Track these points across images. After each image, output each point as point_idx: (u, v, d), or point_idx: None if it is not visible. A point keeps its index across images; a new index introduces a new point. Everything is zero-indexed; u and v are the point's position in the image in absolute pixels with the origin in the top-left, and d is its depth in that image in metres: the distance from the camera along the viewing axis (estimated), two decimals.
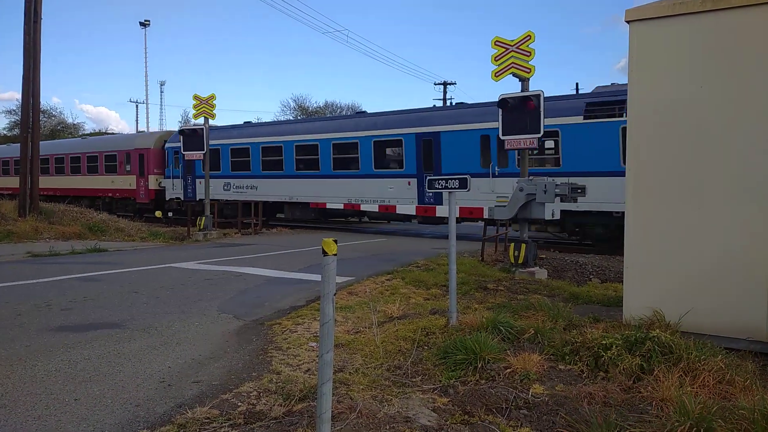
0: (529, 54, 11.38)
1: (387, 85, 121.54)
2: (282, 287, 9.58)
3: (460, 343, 5.34)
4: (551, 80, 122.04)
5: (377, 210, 20.06)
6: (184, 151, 19.98)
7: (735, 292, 5.68)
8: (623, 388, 4.56)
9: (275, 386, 4.83)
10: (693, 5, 5.85)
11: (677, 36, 6.02)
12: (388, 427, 3.96)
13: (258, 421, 4.15)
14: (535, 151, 15.36)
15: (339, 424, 3.95)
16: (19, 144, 41.52)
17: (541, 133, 11.48)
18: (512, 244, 11.66)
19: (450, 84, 50.54)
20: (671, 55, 6.06)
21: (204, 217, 19.35)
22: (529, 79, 11.62)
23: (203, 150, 19.24)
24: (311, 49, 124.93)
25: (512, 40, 11.51)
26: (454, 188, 6.61)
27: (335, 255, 3.33)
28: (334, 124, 22.23)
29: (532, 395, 4.50)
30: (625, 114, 12.82)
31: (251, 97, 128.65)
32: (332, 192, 21.07)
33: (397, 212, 19.14)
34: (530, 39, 11.36)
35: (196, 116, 19.52)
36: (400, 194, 19.20)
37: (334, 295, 3.36)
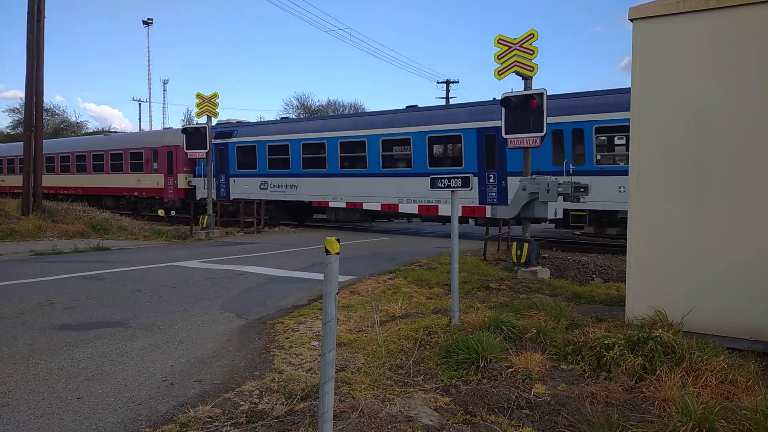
0: (532, 52, 11.36)
1: (390, 83, 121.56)
2: (284, 286, 9.58)
3: (462, 342, 5.34)
4: (555, 79, 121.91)
5: (431, 212, 18.64)
6: (186, 150, 19.95)
7: (738, 293, 5.67)
8: (625, 387, 4.56)
9: (277, 385, 4.83)
10: (697, 3, 5.83)
11: (681, 34, 6.00)
12: (390, 427, 3.96)
13: (260, 420, 4.15)
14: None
15: (341, 423, 3.95)
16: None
17: (545, 131, 11.46)
18: (515, 244, 11.65)
19: (453, 82, 50.48)
20: (675, 53, 6.04)
21: (206, 216, 19.37)
22: (532, 77, 11.60)
23: (206, 149, 19.26)
24: (314, 47, 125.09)
25: (515, 39, 11.49)
26: (457, 187, 6.61)
27: (338, 254, 3.32)
28: (383, 119, 20.63)
29: (534, 395, 4.49)
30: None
31: (254, 96, 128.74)
32: (379, 191, 19.86)
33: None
34: (533, 37, 11.33)
35: (199, 115, 19.55)
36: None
37: (337, 294, 3.35)
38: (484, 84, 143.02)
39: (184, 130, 20.17)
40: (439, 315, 6.98)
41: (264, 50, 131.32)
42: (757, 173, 5.59)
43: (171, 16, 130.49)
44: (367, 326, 6.64)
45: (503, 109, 11.90)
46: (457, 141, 18.41)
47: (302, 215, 24.69)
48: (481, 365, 5.02)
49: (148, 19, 63.53)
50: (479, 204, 17.69)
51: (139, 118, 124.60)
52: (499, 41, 11.63)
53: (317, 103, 57.36)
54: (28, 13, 19.04)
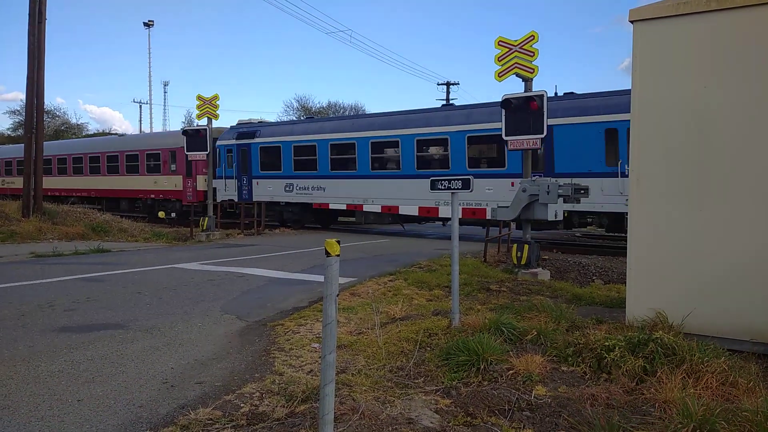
0: (532, 54, 11.38)
1: (390, 85, 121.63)
2: (285, 288, 9.58)
3: (462, 344, 5.33)
4: (556, 80, 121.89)
5: (477, 216, 17.37)
6: (187, 152, 19.92)
7: (738, 294, 5.66)
8: (626, 389, 4.55)
9: (278, 387, 4.83)
10: (697, 5, 5.84)
11: (681, 36, 6.00)
12: (390, 429, 3.96)
13: (260, 422, 4.15)
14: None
15: (341, 425, 3.94)
16: (49, 142, 40.88)
17: (545, 133, 11.47)
18: (515, 245, 11.65)
19: (453, 84, 50.51)
20: (676, 54, 6.04)
21: (207, 218, 19.37)
22: (532, 79, 11.61)
23: (206, 151, 19.25)
24: (314, 49, 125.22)
25: (516, 41, 11.51)
26: (458, 189, 6.61)
27: (338, 256, 3.32)
28: (420, 118, 19.55)
29: (534, 397, 4.49)
30: None
31: (254, 98, 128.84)
32: (415, 194, 18.59)
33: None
34: (534, 39, 11.35)
35: (199, 117, 19.56)
36: (500, 196, 16.13)
37: (337, 296, 3.35)
38: (484, 86, 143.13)
39: (184, 132, 20.19)
40: (439, 317, 6.98)
41: (264, 52, 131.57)
42: (757, 175, 5.59)
43: (172, 18, 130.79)
44: (368, 328, 6.64)
45: (503, 110, 11.91)
46: (498, 141, 16.31)
47: (327, 218, 23.98)
48: (482, 367, 5.02)
49: (149, 20, 63.71)
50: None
51: (140, 120, 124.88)
52: (500, 43, 11.65)
53: (317, 105, 57.42)
54: (29, 14, 19.06)
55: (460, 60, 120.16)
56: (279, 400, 4.53)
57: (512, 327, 6.00)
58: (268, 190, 23.16)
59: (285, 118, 25.00)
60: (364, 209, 20.44)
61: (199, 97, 19.26)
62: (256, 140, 23.58)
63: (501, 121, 13.50)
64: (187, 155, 20.45)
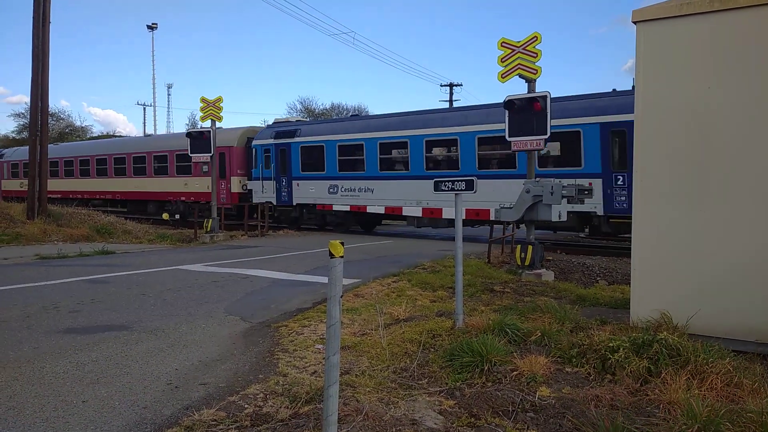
0: (535, 55, 11.37)
1: (393, 86, 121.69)
2: (288, 289, 9.59)
3: (466, 345, 5.33)
4: (559, 81, 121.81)
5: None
6: (190, 153, 19.91)
7: (743, 295, 5.65)
8: (630, 390, 4.54)
9: (282, 388, 4.84)
10: (701, 5, 5.83)
11: (685, 36, 5.99)
12: (394, 430, 3.96)
13: (264, 423, 4.15)
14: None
15: (345, 426, 3.95)
16: (59, 144, 40.42)
17: (548, 134, 11.46)
18: (519, 246, 11.64)
19: (456, 85, 50.50)
20: (679, 55, 6.03)
21: (211, 219, 19.40)
22: (535, 80, 11.60)
23: (210, 153, 19.28)
24: (317, 50, 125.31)
25: (518, 42, 11.50)
26: (461, 190, 6.61)
27: (342, 257, 3.33)
28: (480, 114, 17.93)
29: (538, 398, 4.48)
30: None
31: (257, 99, 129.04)
32: (476, 196, 17.00)
33: (499, 218, 13.06)
34: (537, 40, 11.34)
35: (203, 119, 19.59)
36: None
37: (341, 297, 3.36)
38: (487, 87, 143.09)
39: (188, 134, 20.21)
40: (443, 318, 6.98)
41: (267, 54, 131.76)
42: (766, 175, 5.58)
43: (175, 21, 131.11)
44: (372, 329, 6.64)
45: (506, 111, 11.91)
46: (574, 138, 15.77)
47: (371, 221, 22.87)
48: (486, 368, 5.02)
49: (153, 23, 63.84)
50: (606, 210, 15.15)
51: (144, 123, 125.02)
52: (503, 44, 11.64)
53: (321, 107, 57.54)
54: (33, 17, 19.13)
55: (462, 61, 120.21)
56: (283, 401, 4.53)
57: (516, 328, 5.99)
58: (309, 191, 22.00)
59: (354, 113, 22.17)
60: (412, 212, 19.06)
61: (203, 100, 19.30)
62: (297, 139, 22.48)
63: (579, 117, 12.67)
64: (279, 151, 20.18)
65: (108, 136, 61.73)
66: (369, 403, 4.37)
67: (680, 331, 5.58)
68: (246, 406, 4.49)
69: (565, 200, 11.07)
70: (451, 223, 18.38)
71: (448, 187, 6.75)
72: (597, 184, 14.78)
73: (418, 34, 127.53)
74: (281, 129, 23.39)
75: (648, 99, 6.19)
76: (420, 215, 19.07)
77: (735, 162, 5.71)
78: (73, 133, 63.77)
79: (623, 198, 14.81)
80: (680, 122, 5.99)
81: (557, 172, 15.76)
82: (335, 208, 21.19)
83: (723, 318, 5.71)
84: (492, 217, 16.50)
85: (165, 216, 25.79)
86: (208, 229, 19.26)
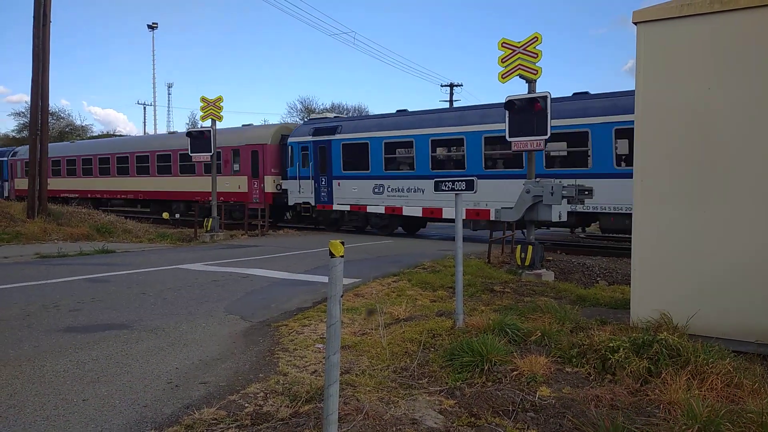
0: (536, 56, 11.37)
1: (393, 86, 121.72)
2: (288, 289, 9.59)
3: (466, 345, 5.33)
4: (559, 81, 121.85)
5: (614, 222, 15.17)
6: (191, 153, 19.88)
7: (743, 295, 5.65)
8: (630, 390, 4.55)
9: (282, 387, 4.84)
10: (701, 6, 5.83)
11: (685, 37, 6.00)
12: (394, 429, 3.96)
13: (265, 422, 4.16)
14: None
15: (345, 425, 3.95)
16: (75, 141, 39.73)
17: (548, 134, 11.46)
18: (519, 246, 11.63)
19: (457, 86, 50.52)
20: (679, 56, 6.04)
21: (211, 219, 19.40)
22: (536, 80, 11.60)
23: (210, 152, 19.27)
24: (318, 50, 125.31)
25: (519, 42, 11.50)
26: (461, 190, 6.62)
27: (342, 257, 3.33)
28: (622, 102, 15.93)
29: (538, 398, 4.49)
30: None
31: (258, 99, 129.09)
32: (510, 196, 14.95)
33: (499, 218, 12.72)
34: (537, 41, 11.34)
35: (203, 118, 19.59)
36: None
37: (341, 296, 3.36)
38: (487, 87, 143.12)
39: (188, 134, 20.20)
40: (443, 318, 6.98)
41: (268, 54, 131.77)
42: (766, 176, 5.58)
43: (175, 20, 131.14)
44: (372, 329, 6.65)
45: (507, 112, 11.91)
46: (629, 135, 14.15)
47: (415, 224, 21.55)
48: (486, 368, 5.02)
49: (153, 23, 63.86)
50: None
51: (144, 122, 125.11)
52: (503, 44, 11.64)
53: (321, 107, 57.58)
54: (34, 17, 19.14)
55: (463, 61, 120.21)
56: (283, 400, 4.54)
57: (516, 328, 6.00)
58: (352, 191, 20.72)
59: (400, 109, 21.34)
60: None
61: (203, 99, 19.29)
62: (338, 136, 21.29)
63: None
64: (319, 149, 19.77)
65: (107, 135, 61.71)
66: (369, 403, 4.38)
67: (680, 331, 5.59)
68: (246, 405, 4.49)
69: (565, 200, 11.08)
70: (509, 226, 16.10)
71: (449, 186, 6.75)
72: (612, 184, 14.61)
73: (418, 35, 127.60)
74: (320, 125, 22.30)
75: (648, 99, 6.19)
76: (478, 217, 17.77)
77: (735, 162, 5.72)
78: (74, 132, 63.79)
79: None
80: (680, 123, 5.99)
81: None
82: (380, 208, 19.96)
83: (723, 318, 5.72)
84: (492, 217, 16.34)
85: (165, 215, 25.70)
86: (208, 229, 19.27)
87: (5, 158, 37.78)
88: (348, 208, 20.87)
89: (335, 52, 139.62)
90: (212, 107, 19.13)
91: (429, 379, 5.02)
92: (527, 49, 11.41)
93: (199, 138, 19.42)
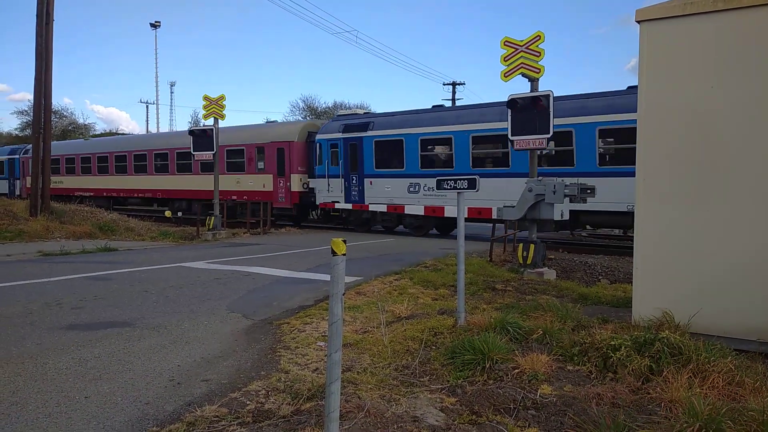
0: (538, 54, 11.36)
1: (396, 85, 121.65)
2: (290, 287, 9.60)
3: (468, 343, 5.34)
4: (562, 80, 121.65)
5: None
6: (193, 152, 19.88)
7: (745, 294, 5.65)
8: (632, 389, 4.55)
9: (284, 385, 4.85)
10: (704, 5, 5.82)
11: (688, 36, 5.99)
12: (395, 427, 3.97)
13: (266, 419, 4.16)
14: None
15: (347, 423, 3.96)
16: (90, 139, 39.03)
17: (551, 133, 11.45)
18: (521, 245, 11.63)
19: (459, 84, 50.46)
20: (682, 54, 6.03)
21: (213, 217, 19.43)
22: (538, 79, 11.60)
23: (213, 150, 19.29)
24: (320, 49, 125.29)
25: (522, 41, 11.49)
26: (463, 189, 6.62)
27: (344, 255, 3.33)
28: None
29: (540, 396, 4.49)
30: None
31: (260, 98, 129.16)
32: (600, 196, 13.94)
33: (501, 217, 12.35)
34: (540, 39, 11.33)
35: (206, 117, 19.61)
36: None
37: (343, 295, 3.37)
38: (490, 86, 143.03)
39: (191, 132, 20.22)
40: (444, 316, 6.99)
41: (270, 52, 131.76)
42: (758, 175, 5.57)
43: (178, 19, 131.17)
44: (373, 327, 6.66)
45: (509, 110, 11.90)
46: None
47: (453, 224, 19.76)
48: (487, 366, 5.02)
49: (156, 21, 63.83)
50: None
51: (146, 120, 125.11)
52: (506, 43, 11.64)
53: (323, 105, 57.55)
54: (36, 15, 19.18)
55: (465, 60, 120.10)
56: (285, 398, 4.55)
57: (518, 326, 6.00)
58: (385, 190, 19.75)
59: (437, 104, 20.70)
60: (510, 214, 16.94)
61: (206, 98, 19.32)
62: (370, 133, 20.39)
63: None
64: (350, 146, 19.40)
65: (110, 133, 61.76)
66: (371, 400, 4.38)
67: (682, 329, 5.58)
68: (248, 402, 4.50)
69: (567, 199, 11.07)
70: (563, 225, 16.01)
71: (450, 185, 6.75)
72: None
73: (420, 33, 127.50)
74: (351, 122, 21.45)
75: (651, 98, 6.18)
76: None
77: (736, 162, 5.71)
78: (76, 130, 63.89)
79: None
80: (683, 121, 5.98)
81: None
82: (418, 209, 18.83)
83: (725, 317, 5.71)
84: (494, 216, 15.76)
85: (167, 213, 25.67)
86: (210, 227, 19.29)
87: (17, 156, 37.27)
88: (384, 208, 19.97)
89: (337, 50, 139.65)
90: (215, 106, 19.15)
91: (430, 377, 5.02)
92: (530, 47, 11.40)
93: (201, 136, 19.44)
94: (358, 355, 5.66)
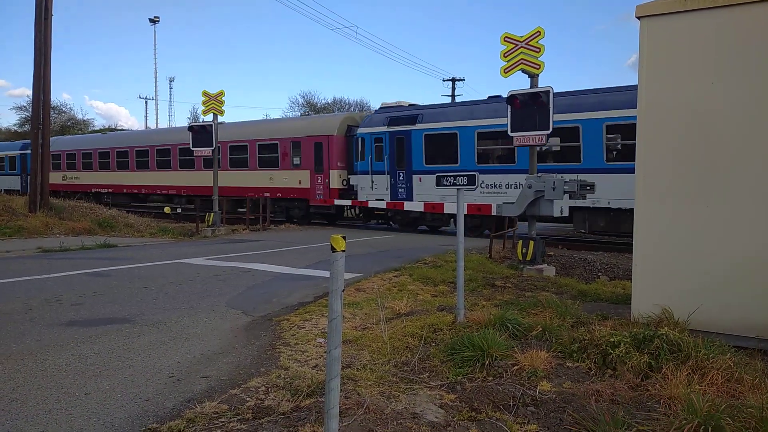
0: (538, 50, 11.34)
1: (395, 81, 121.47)
2: (290, 283, 9.61)
3: (467, 339, 5.34)
4: (562, 77, 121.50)
5: None
6: (192, 147, 19.84)
7: (744, 291, 5.65)
8: (631, 385, 4.55)
9: (283, 382, 4.85)
10: (705, 0, 5.80)
11: (689, 32, 5.97)
12: (395, 423, 3.97)
13: (266, 416, 4.17)
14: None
15: (347, 419, 3.96)
16: (107, 133, 38.11)
17: (551, 129, 11.44)
18: (520, 241, 11.64)
19: (459, 80, 50.35)
20: (682, 51, 6.01)
21: (213, 213, 19.43)
22: (538, 75, 11.58)
23: (212, 146, 19.27)
24: (319, 44, 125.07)
25: (521, 36, 11.48)
26: (462, 185, 6.61)
27: (344, 251, 3.33)
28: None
29: (539, 392, 4.50)
30: None
31: (259, 93, 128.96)
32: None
33: (501, 213, 12.68)
34: (540, 35, 11.31)
35: (205, 113, 19.59)
36: None
37: (342, 291, 3.36)
38: (490, 82, 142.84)
39: (190, 128, 20.19)
40: (444, 312, 6.99)
41: (269, 48, 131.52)
42: (757, 174, 5.57)
43: (177, 14, 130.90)
44: (373, 324, 6.66)
45: (509, 107, 11.89)
46: None
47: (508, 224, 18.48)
48: (487, 363, 5.03)
49: (155, 17, 63.72)
50: None
51: (146, 116, 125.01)
52: (506, 39, 11.62)
53: (323, 101, 57.43)
54: (35, 10, 19.10)
55: (465, 56, 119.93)
56: (284, 395, 4.55)
57: (517, 323, 6.00)
58: (436, 188, 19.20)
59: (493, 95, 18.81)
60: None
61: (205, 93, 19.29)
62: (419, 126, 19.37)
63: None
64: (395, 140, 18.95)
65: (108, 129, 61.68)
66: (370, 397, 4.39)
67: (681, 326, 5.59)
68: (248, 399, 4.50)
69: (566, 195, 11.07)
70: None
71: (450, 182, 6.75)
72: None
73: (420, 29, 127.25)
74: (397, 114, 20.33)
75: (651, 95, 6.17)
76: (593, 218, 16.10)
77: (736, 160, 5.71)
78: (75, 126, 63.82)
79: None
80: (683, 119, 5.98)
81: None
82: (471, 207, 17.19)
83: (724, 314, 5.72)
84: (493, 212, 16.20)
85: (167, 210, 25.58)
86: (210, 223, 19.29)
87: (29, 151, 37.02)
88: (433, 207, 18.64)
89: (337, 46, 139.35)
90: (214, 101, 19.12)
91: (430, 374, 5.03)
92: (530, 43, 11.38)
93: (201, 132, 19.43)
94: (358, 352, 5.66)
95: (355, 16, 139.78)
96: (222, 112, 19.33)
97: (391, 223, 21.29)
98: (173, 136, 28.33)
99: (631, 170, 6.71)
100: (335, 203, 21.45)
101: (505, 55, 11.63)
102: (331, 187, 21.45)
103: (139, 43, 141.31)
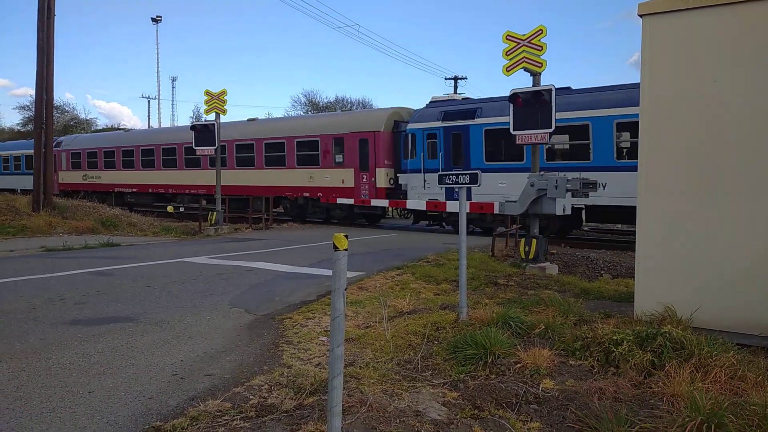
0: (540, 48, 11.32)
1: (398, 79, 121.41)
2: (293, 282, 9.62)
3: (470, 338, 5.34)
4: (563, 74, 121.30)
5: None
6: (195, 146, 19.85)
7: (748, 289, 5.65)
8: (634, 383, 4.55)
9: (286, 380, 4.86)
10: None
11: (691, 29, 5.96)
12: (398, 421, 3.98)
13: (269, 414, 4.18)
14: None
15: (350, 417, 3.97)
16: (130, 131, 37.71)
17: (553, 127, 11.43)
18: (523, 240, 11.63)
19: (461, 79, 50.25)
20: (684, 48, 6.00)
21: (215, 212, 19.45)
22: (540, 73, 11.56)
23: (214, 145, 19.28)
24: (322, 43, 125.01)
25: (524, 35, 11.46)
26: (465, 183, 6.61)
27: (346, 250, 3.34)
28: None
29: (542, 390, 4.50)
30: None
31: (261, 92, 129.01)
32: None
33: (503, 212, 12.36)
34: (542, 33, 11.29)
35: (207, 112, 19.63)
36: None
37: (345, 289, 3.37)
38: (492, 80, 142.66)
39: (193, 127, 20.21)
40: (447, 311, 6.99)
41: (272, 47, 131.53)
42: (759, 172, 5.56)
43: (179, 14, 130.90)
44: (375, 322, 6.67)
45: (511, 105, 11.88)
46: None
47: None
48: (489, 360, 5.03)
49: (157, 16, 63.71)
50: None
51: (148, 116, 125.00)
52: (508, 37, 11.60)
53: (325, 100, 57.42)
54: (38, 10, 19.12)
55: (467, 54, 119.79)
56: (287, 393, 4.56)
57: (520, 321, 6.00)
58: (499, 187, 17.14)
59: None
60: None
61: (207, 92, 19.31)
62: (478, 121, 18.03)
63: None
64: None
65: (112, 128, 61.74)
66: (373, 395, 4.39)
67: (684, 324, 5.59)
68: (251, 397, 4.51)
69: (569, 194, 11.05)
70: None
71: (452, 180, 6.75)
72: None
73: (422, 27, 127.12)
74: (452, 108, 19.05)
75: (653, 93, 6.16)
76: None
77: (740, 158, 5.70)
78: (78, 125, 63.88)
79: None
80: (685, 117, 5.97)
81: None
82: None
83: (727, 312, 5.71)
84: (495, 211, 16.04)
85: (169, 209, 25.61)
86: (212, 222, 19.31)
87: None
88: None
89: (339, 44, 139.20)
90: (216, 100, 19.14)
91: (433, 372, 5.03)
92: (532, 41, 11.36)
93: (203, 132, 19.45)
94: (361, 350, 5.67)
95: (357, 15, 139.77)
96: (224, 111, 19.35)
97: (443, 224, 20.20)
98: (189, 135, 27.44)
99: None
100: (414, 204, 19.63)
101: (508, 53, 11.60)
102: (378, 186, 20.23)
103: (141, 42, 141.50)
